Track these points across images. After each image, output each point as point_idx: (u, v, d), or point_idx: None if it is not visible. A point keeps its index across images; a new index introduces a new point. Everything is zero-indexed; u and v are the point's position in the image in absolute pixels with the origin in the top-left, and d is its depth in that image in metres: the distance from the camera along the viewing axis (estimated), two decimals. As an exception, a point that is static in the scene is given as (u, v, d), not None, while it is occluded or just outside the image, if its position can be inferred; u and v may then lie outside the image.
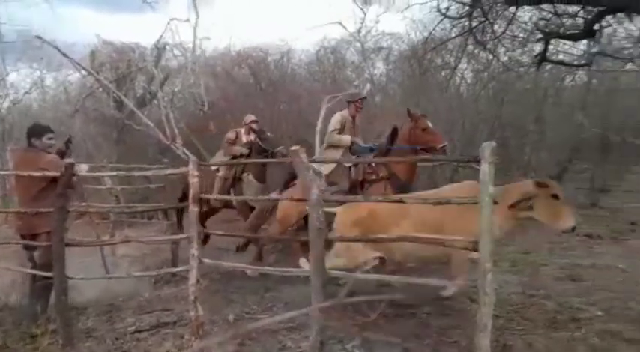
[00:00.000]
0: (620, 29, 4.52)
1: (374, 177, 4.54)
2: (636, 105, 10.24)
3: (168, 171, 3.80)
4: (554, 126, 10.25)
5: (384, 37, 10.42)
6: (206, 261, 3.24)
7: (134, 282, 4.32)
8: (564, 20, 3.78)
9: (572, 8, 3.50)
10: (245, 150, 6.00)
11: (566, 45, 5.26)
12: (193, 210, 3.12)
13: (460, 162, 4.74)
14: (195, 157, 3.45)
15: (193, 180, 3.09)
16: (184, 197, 5.75)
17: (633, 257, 5.31)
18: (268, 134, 5.92)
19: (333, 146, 4.78)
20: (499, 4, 3.74)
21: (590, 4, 3.21)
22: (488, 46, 4.82)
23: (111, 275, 4.04)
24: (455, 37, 4.76)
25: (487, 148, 2.80)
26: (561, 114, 10.19)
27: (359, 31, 10.20)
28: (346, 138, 4.72)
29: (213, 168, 5.85)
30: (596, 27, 3.49)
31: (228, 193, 5.83)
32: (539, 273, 5.04)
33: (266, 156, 5.68)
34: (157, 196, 7.20)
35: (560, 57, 5.41)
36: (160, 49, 9.94)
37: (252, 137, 5.92)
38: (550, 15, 3.81)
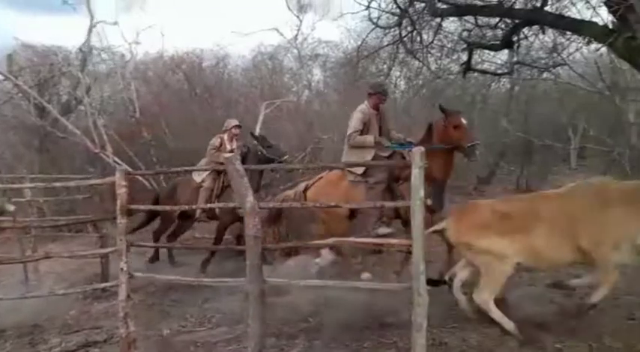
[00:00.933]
0: (537, 40, 4.86)
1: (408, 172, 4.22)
2: (553, 111, 11.13)
3: (93, 182, 3.58)
4: (483, 130, 10.86)
5: (320, 45, 10.56)
6: (137, 274, 3.10)
7: (58, 300, 4.03)
8: (486, 31, 4.02)
9: (492, 20, 3.73)
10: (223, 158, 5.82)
11: (490, 54, 5.57)
12: (122, 221, 2.97)
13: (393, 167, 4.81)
14: (126, 166, 3.30)
15: (121, 191, 2.95)
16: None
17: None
18: (272, 142, 5.62)
19: (357, 147, 4.45)
20: (425, 15, 3.91)
21: (507, 16, 3.43)
22: (418, 55, 5.01)
23: (31, 294, 3.75)
24: (386, 46, 4.92)
25: (417, 153, 2.89)
26: (488, 119, 10.86)
27: (295, 38, 10.27)
28: (370, 139, 4.37)
29: (198, 179, 5.52)
30: (514, 38, 3.73)
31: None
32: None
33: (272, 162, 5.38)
34: (86, 208, 6.80)
35: (486, 65, 5.74)
36: (85, 53, 9.40)
37: (234, 145, 5.59)
38: (473, 26, 4.05)
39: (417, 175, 2.93)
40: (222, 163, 5.52)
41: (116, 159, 7.55)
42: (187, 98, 10.04)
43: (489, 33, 4.10)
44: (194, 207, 5.18)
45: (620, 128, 9.26)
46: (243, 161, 5.49)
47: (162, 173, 6.08)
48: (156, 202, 5.71)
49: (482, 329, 3.26)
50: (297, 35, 10.14)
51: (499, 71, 5.12)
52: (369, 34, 5.14)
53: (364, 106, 4.41)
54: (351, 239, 3.17)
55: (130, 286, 2.99)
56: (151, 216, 5.83)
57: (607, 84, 7.68)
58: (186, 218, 5.83)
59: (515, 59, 4.87)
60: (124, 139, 8.69)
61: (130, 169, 4.35)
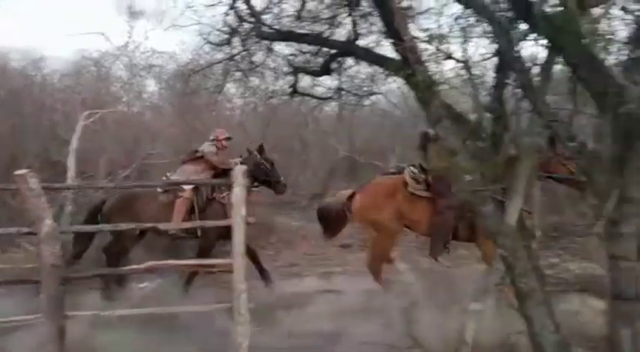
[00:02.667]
0: (361, 69, 5.36)
1: None
2: (375, 132, 12.44)
3: None
4: (316, 149, 11.55)
5: (154, 55, 10.01)
6: None
7: None
8: (310, 57, 4.29)
9: (313, 47, 4.01)
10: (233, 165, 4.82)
11: (318, 79, 5.93)
12: None
13: (214, 185, 4.69)
14: None
15: None
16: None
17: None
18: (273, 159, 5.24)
19: None
20: (253, 36, 4.01)
21: (324, 46, 3.72)
22: (249, 75, 5.10)
23: None
24: (217, 63, 4.89)
25: (239, 172, 2.90)
26: (319, 139, 11.63)
27: (126, 46, 9.55)
28: None
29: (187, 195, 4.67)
30: (333, 66, 4.05)
31: (198, 219, 4.74)
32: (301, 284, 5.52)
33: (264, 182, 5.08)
34: None
35: (320, 89, 6.10)
36: None
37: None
38: (298, 52, 4.29)
39: (238, 193, 2.93)
40: (225, 170, 4.86)
41: None
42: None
43: (314, 59, 4.38)
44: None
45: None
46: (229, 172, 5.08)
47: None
48: (95, 216, 4.81)
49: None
50: (128, 43, 9.45)
51: (324, 96, 5.50)
52: (199, 49, 5.06)
53: None
54: (171, 261, 3.02)
55: None
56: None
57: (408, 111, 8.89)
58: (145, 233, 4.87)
59: (338, 85, 5.31)
60: None
61: None
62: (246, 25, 4.24)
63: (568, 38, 2.10)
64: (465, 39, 3.26)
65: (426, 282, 4.52)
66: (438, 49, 3.25)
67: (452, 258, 5.69)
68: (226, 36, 4.43)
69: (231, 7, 3.99)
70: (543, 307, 2.65)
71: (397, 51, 2.44)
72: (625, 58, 2.17)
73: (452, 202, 4.07)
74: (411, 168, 4.55)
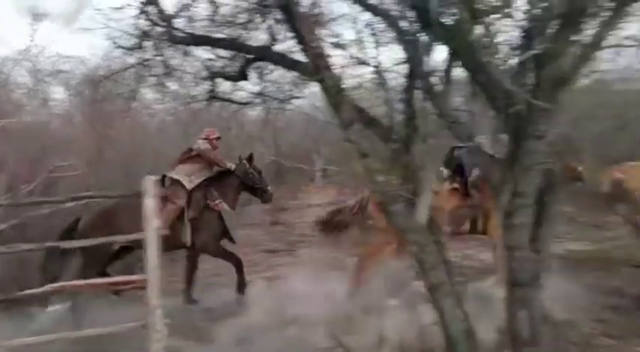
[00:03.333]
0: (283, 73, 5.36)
1: None
2: (300, 137, 12.57)
3: None
4: (241, 154, 11.41)
5: (61, 60, 9.35)
6: None
7: None
8: (226, 62, 4.23)
9: (229, 52, 3.96)
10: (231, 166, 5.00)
11: (238, 84, 5.86)
12: None
13: (120, 197, 4.41)
14: None
15: None
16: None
17: (301, 264, 6.29)
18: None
19: None
20: (165, 41, 3.89)
21: (240, 51, 3.69)
22: (166, 80, 4.92)
23: None
24: (129, 68, 4.67)
25: (149, 182, 2.80)
26: (244, 143, 11.54)
27: (28, 49, 8.83)
28: None
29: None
30: (249, 71, 4.03)
31: (191, 227, 4.58)
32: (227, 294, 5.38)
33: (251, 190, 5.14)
34: None
35: (243, 93, 6.01)
36: None
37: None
38: (215, 56, 4.22)
39: (149, 205, 2.83)
40: (224, 171, 4.95)
41: None
42: None
43: (231, 64, 4.33)
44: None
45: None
46: (221, 178, 4.99)
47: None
48: (69, 236, 4.31)
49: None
50: (30, 46, 8.74)
51: (245, 100, 5.45)
52: (110, 53, 4.81)
53: None
54: (81, 281, 2.84)
55: None
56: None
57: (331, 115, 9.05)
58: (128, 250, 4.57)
59: (259, 90, 5.29)
60: None
61: None
62: (159, 29, 4.11)
63: (462, 46, 2.27)
64: (377, 45, 3.42)
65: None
66: (351, 55, 3.38)
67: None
68: (137, 40, 4.26)
69: (142, 11, 3.83)
70: (452, 298, 2.82)
71: (307, 57, 2.48)
72: (513, 63, 2.38)
73: None
74: None
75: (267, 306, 4.32)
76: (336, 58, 3.30)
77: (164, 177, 4.95)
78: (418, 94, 3.23)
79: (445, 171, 4.87)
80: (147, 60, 4.65)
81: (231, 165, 5.10)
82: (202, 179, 4.92)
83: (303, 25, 2.46)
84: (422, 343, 3.18)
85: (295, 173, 11.68)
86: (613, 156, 7.23)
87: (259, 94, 5.37)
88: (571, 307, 4.12)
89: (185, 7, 3.71)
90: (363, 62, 3.32)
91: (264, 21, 3.52)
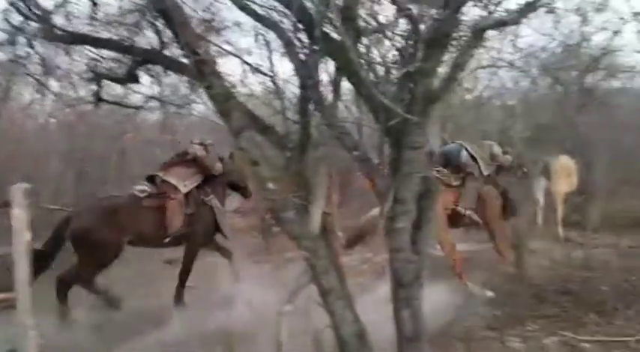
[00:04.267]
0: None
1: None
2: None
3: None
4: (138, 159, 10.81)
5: None
6: None
7: None
8: (113, 64, 4.00)
9: (115, 53, 3.75)
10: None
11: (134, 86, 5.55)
12: None
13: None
14: None
15: None
16: None
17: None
18: None
19: None
20: (40, 38, 3.57)
21: (126, 53, 3.51)
22: (46, 79, 4.52)
23: None
24: (-1, 64, 4.23)
25: (18, 191, 2.56)
26: (143, 148, 10.92)
27: None
28: None
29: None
30: (138, 73, 3.84)
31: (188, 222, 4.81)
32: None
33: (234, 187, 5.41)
34: None
35: (139, 96, 5.68)
36: None
37: None
38: (99, 57, 3.96)
39: (19, 217, 2.58)
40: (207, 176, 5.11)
41: None
42: None
43: (118, 66, 4.09)
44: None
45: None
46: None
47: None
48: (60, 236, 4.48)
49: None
50: None
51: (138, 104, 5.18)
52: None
53: None
54: None
55: None
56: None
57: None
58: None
59: (153, 94, 5.05)
60: None
61: None
62: (33, 24, 3.76)
63: (344, 61, 2.38)
64: (270, 55, 3.45)
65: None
66: (246, 63, 3.37)
67: (281, 259, 5.94)
68: (7, 35, 3.85)
69: (12, 4, 3.48)
70: (343, 301, 2.93)
71: (191, 62, 2.43)
72: (390, 79, 2.54)
73: None
74: None
75: (161, 321, 4.15)
76: (232, 66, 3.30)
77: (152, 176, 5.15)
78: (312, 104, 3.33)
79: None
80: (21, 57, 4.24)
81: (220, 167, 5.30)
82: (196, 184, 5.11)
83: (185, 30, 2.40)
84: (316, 347, 3.25)
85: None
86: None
87: (153, 98, 5.17)
88: (454, 304, 4.50)
89: (64, 3, 3.43)
90: (258, 71, 3.34)
91: (152, 24, 3.37)
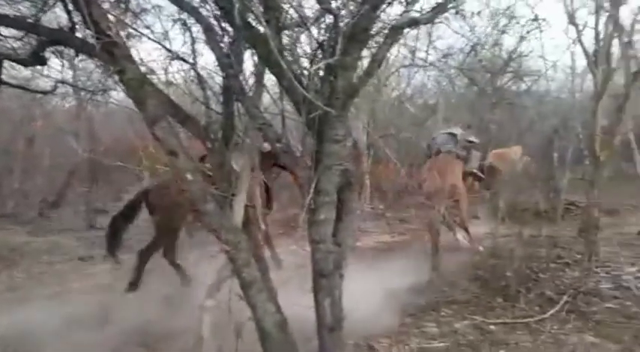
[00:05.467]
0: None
1: None
2: (124, 132, 11.55)
3: None
4: (49, 149, 10.00)
5: None
6: None
7: None
8: (16, 44, 3.65)
9: (16, 32, 3.42)
10: None
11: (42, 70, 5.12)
12: None
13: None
14: None
15: None
16: None
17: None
18: None
19: None
20: None
21: (31, 32, 3.22)
22: None
23: None
24: None
25: None
26: (54, 137, 10.13)
27: None
28: None
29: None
30: (45, 54, 3.54)
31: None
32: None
33: None
34: None
35: (46, 80, 5.23)
36: None
37: None
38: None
39: None
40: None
41: None
42: None
43: (22, 46, 3.74)
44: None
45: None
46: None
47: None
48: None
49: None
50: None
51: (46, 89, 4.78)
52: None
53: None
54: None
55: None
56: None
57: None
58: None
59: (63, 78, 4.70)
60: None
61: None
62: None
63: (264, 52, 2.36)
64: (192, 41, 3.34)
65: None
66: (165, 48, 3.23)
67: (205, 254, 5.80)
68: None
69: None
70: (265, 293, 2.92)
71: (100, 45, 2.28)
72: (311, 72, 2.56)
73: None
74: None
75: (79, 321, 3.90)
76: (153, 52, 3.14)
77: None
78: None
79: None
80: None
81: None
82: None
83: (93, 9, 2.24)
84: (238, 339, 3.21)
85: (118, 172, 10.69)
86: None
87: (64, 82, 4.81)
88: (380, 290, 4.65)
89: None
90: (179, 58, 3.22)
91: (61, 0, 3.11)
